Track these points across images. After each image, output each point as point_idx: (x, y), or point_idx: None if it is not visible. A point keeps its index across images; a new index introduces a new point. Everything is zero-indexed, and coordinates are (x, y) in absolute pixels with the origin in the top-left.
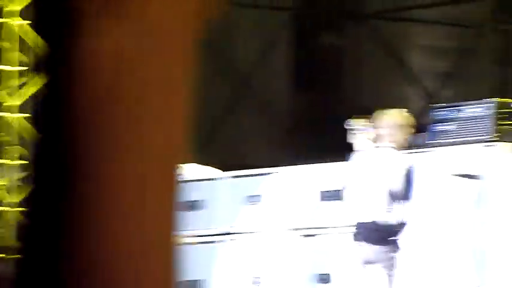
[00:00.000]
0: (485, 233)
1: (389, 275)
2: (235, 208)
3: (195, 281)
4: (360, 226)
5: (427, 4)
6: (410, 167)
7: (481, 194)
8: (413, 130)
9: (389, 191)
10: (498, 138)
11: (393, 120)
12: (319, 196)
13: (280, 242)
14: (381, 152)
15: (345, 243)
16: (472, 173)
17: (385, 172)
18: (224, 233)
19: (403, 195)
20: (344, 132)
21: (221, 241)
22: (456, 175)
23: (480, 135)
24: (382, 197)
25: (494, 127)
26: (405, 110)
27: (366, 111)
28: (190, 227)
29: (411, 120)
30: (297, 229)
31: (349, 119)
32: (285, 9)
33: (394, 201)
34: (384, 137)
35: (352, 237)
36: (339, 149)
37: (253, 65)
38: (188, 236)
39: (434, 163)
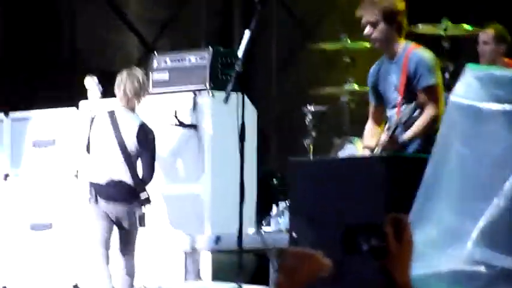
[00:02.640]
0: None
1: (131, 232)
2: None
3: None
4: (96, 184)
5: None
6: (144, 128)
7: (198, 142)
8: (147, 92)
9: (125, 150)
10: (213, 87)
11: (125, 84)
12: (31, 143)
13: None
14: (117, 112)
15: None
16: (188, 122)
17: (121, 132)
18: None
19: (138, 154)
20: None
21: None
22: (173, 124)
23: (197, 84)
24: (117, 156)
25: (210, 76)
26: (139, 70)
27: (83, 58)
28: None
29: (145, 82)
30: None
31: (87, 77)
32: None
33: (130, 160)
34: (120, 98)
35: (88, 193)
36: (64, 96)
37: None
38: None
39: (155, 113)
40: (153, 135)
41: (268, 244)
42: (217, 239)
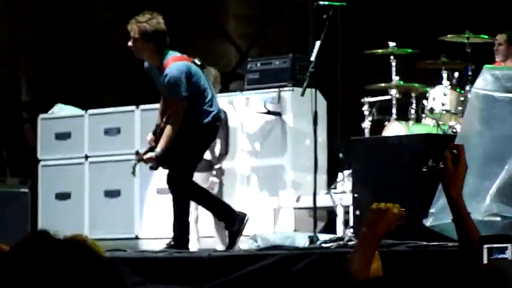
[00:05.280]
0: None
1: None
2: (95, 138)
3: (66, 192)
4: None
5: None
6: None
7: (282, 125)
8: (218, 86)
9: None
10: (293, 84)
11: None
12: None
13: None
14: None
15: None
16: (275, 110)
17: None
18: (85, 156)
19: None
20: None
21: (83, 163)
22: (263, 112)
23: (281, 82)
24: None
25: (291, 75)
26: (213, 69)
27: None
28: (60, 151)
29: (216, 76)
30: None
31: None
32: None
33: None
34: None
35: None
36: None
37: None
38: (58, 159)
39: (249, 104)
40: (226, 118)
41: (335, 202)
42: (298, 199)
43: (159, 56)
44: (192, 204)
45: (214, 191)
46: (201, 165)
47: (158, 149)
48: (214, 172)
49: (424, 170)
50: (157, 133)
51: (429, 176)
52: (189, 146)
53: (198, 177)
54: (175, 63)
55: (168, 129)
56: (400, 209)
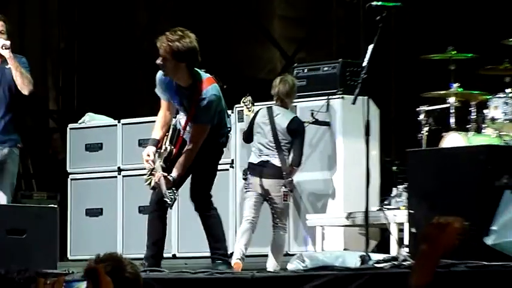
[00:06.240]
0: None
1: (282, 207)
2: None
3: (98, 208)
4: (250, 163)
5: None
6: (295, 121)
7: (331, 136)
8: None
9: (276, 138)
10: (343, 92)
11: (278, 87)
12: None
13: None
14: (273, 108)
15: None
16: (323, 120)
17: (275, 124)
18: (118, 169)
19: (289, 143)
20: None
21: (116, 176)
22: (310, 122)
23: (329, 89)
24: (270, 142)
25: (341, 82)
26: (290, 76)
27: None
28: (91, 164)
29: (295, 85)
30: None
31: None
32: None
33: (280, 147)
34: (275, 99)
35: (243, 172)
36: None
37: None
38: (89, 172)
39: (295, 113)
40: (303, 128)
41: (389, 219)
42: (348, 216)
43: (189, 76)
44: (250, 210)
45: (288, 202)
46: (272, 170)
47: (175, 174)
48: (285, 183)
49: (496, 185)
50: (162, 152)
51: (499, 191)
52: (209, 165)
53: (268, 184)
54: (211, 88)
55: (187, 155)
56: (462, 223)
